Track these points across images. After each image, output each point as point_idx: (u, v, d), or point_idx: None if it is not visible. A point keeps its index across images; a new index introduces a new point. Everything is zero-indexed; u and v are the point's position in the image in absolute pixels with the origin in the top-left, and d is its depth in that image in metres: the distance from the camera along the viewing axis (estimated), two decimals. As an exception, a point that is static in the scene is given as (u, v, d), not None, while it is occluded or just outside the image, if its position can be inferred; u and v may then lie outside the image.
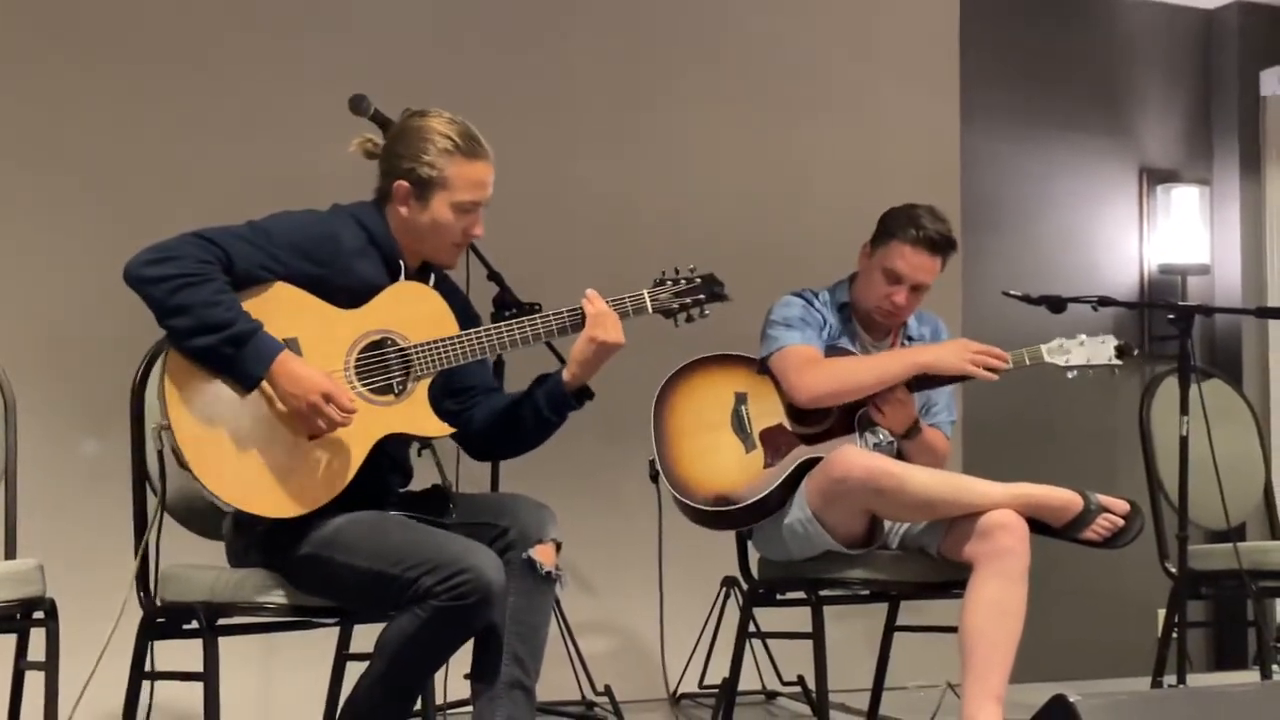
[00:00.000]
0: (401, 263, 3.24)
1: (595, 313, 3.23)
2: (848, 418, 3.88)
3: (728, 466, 3.85)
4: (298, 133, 4.62)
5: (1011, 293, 3.96)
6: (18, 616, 3.27)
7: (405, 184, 3.20)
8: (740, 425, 3.90)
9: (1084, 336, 3.87)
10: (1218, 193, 6.29)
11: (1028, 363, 3.84)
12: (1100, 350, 3.86)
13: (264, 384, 3.04)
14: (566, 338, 3.26)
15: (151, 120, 4.55)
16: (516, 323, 3.21)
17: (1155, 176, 6.23)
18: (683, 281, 3.35)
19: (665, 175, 5.23)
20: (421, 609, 2.96)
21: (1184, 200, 6.18)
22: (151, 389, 3.29)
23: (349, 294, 3.16)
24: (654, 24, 5.28)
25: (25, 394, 3.71)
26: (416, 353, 3.16)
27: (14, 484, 3.59)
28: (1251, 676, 5.24)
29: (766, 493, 3.81)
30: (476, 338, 3.19)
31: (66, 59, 4.48)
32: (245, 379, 3.03)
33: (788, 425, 3.90)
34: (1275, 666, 4.56)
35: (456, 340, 3.18)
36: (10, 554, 3.51)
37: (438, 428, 3.18)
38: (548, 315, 3.25)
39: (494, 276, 3.98)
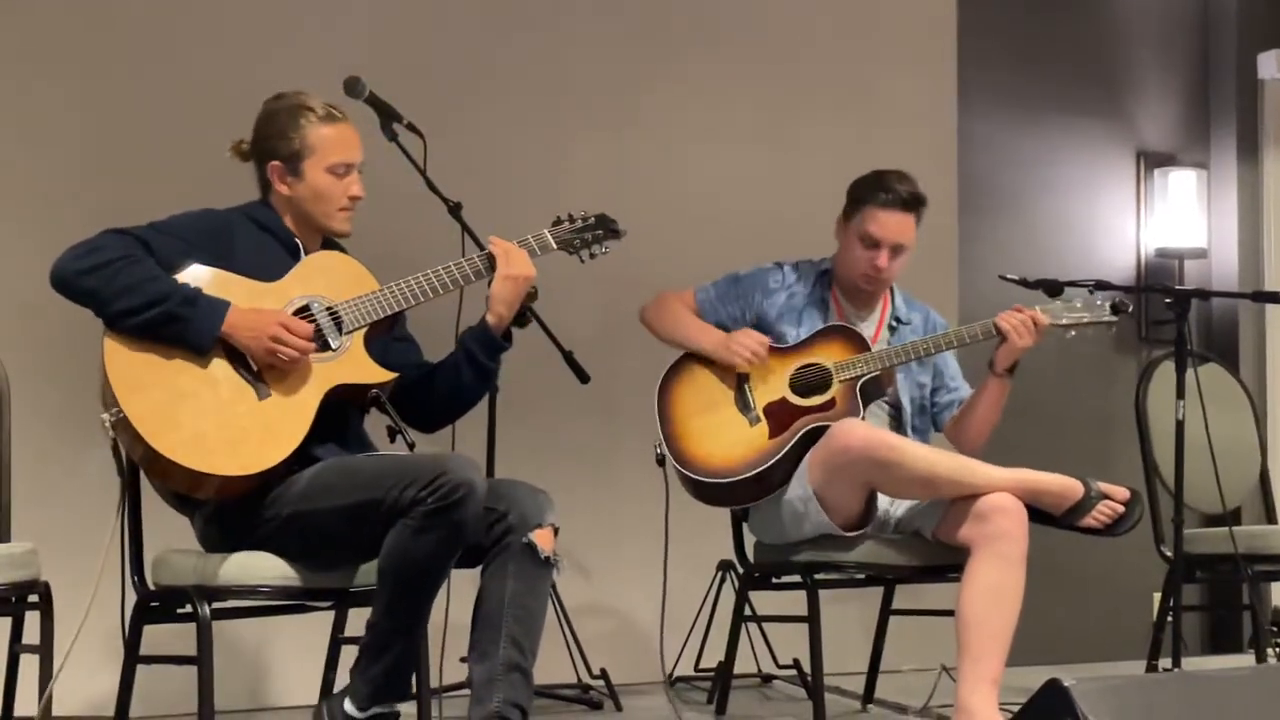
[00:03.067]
0: (299, 243, 3.35)
1: (503, 251, 3.35)
2: (852, 389, 3.88)
3: (734, 440, 3.86)
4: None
5: (1008, 276, 3.97)
6: (12, 600, 3.28)
7: (277, 162, 3.33)
8: (744, 402, 3.91)
9: (1079, 299, 3.92)
10: (1215, 176, 6.28)
11: None
12: (1097, 309, 3.91)
13: (219, 340, 3.10)
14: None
15: (141, 105, 4.52)
16: (433, 270, 3.32)
17: (1152, 160, 6.21)
18: (579, 221, 3.50)
19: (662, 158, 5.22)
20: (410, 519, 3.01)
21: (1181, 184, 6.17)
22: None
23: (258, 273, 3.24)
24: (650, 7, 5.26)
25: (17, 379, 3.70)
26: (345, 309, 3.25)
27: (8, 469, 3.59)
28: (1246, 660, 5.24)
29: (774, 460, 3.82)
30: (399, 287, 3.29)
31: (50, 40, 4.45)
32: (201, 337, 3.11)
33: (791, 399, 3.90)
34: (1270, 650, 4.57)
35: (381, 292, 3.29)
36: (4, 538, 3.51)
37: (381, 374, 3.27)
38: (460, 260, 3.36)
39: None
